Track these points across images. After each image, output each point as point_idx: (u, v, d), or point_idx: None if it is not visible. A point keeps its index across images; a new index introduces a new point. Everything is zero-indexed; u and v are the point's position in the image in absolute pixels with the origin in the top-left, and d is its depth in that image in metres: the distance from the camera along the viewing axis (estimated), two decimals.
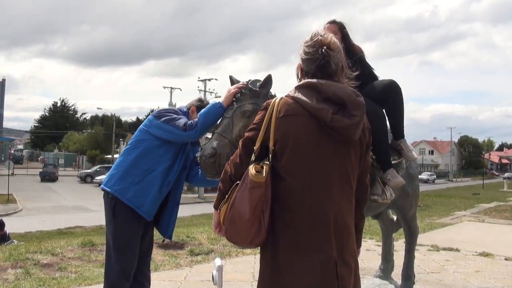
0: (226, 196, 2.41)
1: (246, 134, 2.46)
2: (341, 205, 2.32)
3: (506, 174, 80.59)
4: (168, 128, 3.50)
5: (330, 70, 2.37)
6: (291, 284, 2.26)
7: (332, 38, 2.40)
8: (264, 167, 2.29)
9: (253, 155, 2.36)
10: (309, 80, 2.37)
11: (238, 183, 2.36)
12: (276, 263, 2.29)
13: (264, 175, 2.26)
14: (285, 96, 2.41)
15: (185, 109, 3.82)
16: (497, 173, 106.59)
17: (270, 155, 2.32)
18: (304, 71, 2.44)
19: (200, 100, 3.91)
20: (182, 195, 3.88)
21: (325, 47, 2.35)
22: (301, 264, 2.25)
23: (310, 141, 2.28)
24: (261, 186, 2.26)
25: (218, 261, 2.97)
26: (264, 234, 2.29)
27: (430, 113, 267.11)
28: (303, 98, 2.30)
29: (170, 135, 3.50)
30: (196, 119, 3.50)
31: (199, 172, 3.70)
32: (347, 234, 2.34)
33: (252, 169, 2.28)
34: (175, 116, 3.57)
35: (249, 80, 3.42)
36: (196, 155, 3.72)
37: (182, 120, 3.52)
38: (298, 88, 2.37)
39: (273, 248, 2.31)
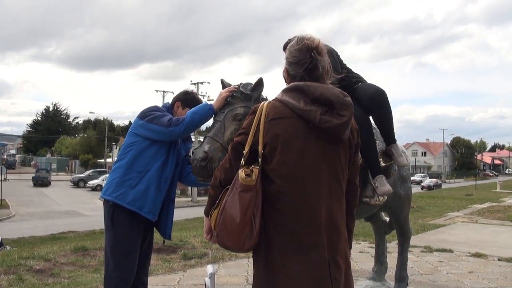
0: (217, 201, 2.41)
1: (235, 138, 2.46)
2: (332, 206, 2.33)
3: (426, 182, 62.31)
4: (152, 127, 3.50)
5: (317, 73, 2.40)
6: (286, 286, 2.26)
7: (320, 41, 2.42)
8: (254, 170, 2.30)
9: (242, 159, 2.36)
10: (296, 83, 2.39)
11: (228, 188, 2.35)
12: (270, 266, 2.29)
13: (254, 178, 2.27)
14: (273, 99, 2.43)
15: (168, 105, 3.82)
16: (491, 174, 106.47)
17: (260, 159, 2.33)
18: (291, 75, 2.46)
19: (186, 93, 3.88)
20: (176, 199, 3.88)
21: (313, 51, 2.38)
22: (295, 265, 2.26)
23: (299, 143, 2.29)
24: (251, 189, 2.26)
25: (210, 268, 2.95)
26: (256, 237, 2.29)
27: (424, 115, 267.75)
28: (291, 100, 2.32)
29: (155, 133, 3.50)
30: (184, 116, 3.49)
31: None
32: (338, 235, 2.35)
33: (241, 173, 2.29)
34: (158, 113, 3.56)
35: (241, 83, 3.42)
36: (190, 152, 3.70)
37: (166, 117, 3.51)
38: (285, 91, 2.39)
39: (266, 251, 2.31)
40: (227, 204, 2.30)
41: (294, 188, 2.28)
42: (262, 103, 2.42)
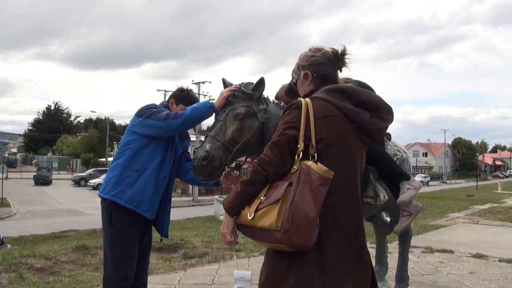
0: (279, 197, 2.25)
1: (287, 131, 2.37)
2: (360, 203, 2.49)
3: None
4: (149, 123, 3.48)
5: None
6: (341, 285, 2.33)
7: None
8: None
9: (300, 153, 2.33)
10: (338, 84, 2.50)
11: (290, 183, 2.26)
12: (325, 261, 2.30)
13: (332, 171, 2.27)
14: (314, 97, 2.45)
15: (165, 103, 3.82)
16: (502, 175, 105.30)
17: (316, 154, 2.32)
18: (320, 76, 2.55)
19: (181, 90, 3.87)
20: (177, 199, 3.88)
21: (339, 54, 2.59)
22: (346, 253, 2.37)
23: (347, 141, 2.39)
24: (328, 183, 2.25)
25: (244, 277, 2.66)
26: (317, 232, 2.26)
27: (426, 115, 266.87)
28: (338, 101, 2.39)
29: (153, 129, 3.49)
30: (181, 111, 3.49)
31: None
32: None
33: (320, 166, 2.26)
34: (155, 109, 3.55)
35: (242, 83, 3.41)
36: (191, 151, 3.70)
37: (163, 112, 3.50)
38: (326, 91, 2.44)
39: (317, 247, 2.28)
40: (297, 199, 2.21)
41: (344, 185, 2.37)
42: (301, 99, 2.45)
